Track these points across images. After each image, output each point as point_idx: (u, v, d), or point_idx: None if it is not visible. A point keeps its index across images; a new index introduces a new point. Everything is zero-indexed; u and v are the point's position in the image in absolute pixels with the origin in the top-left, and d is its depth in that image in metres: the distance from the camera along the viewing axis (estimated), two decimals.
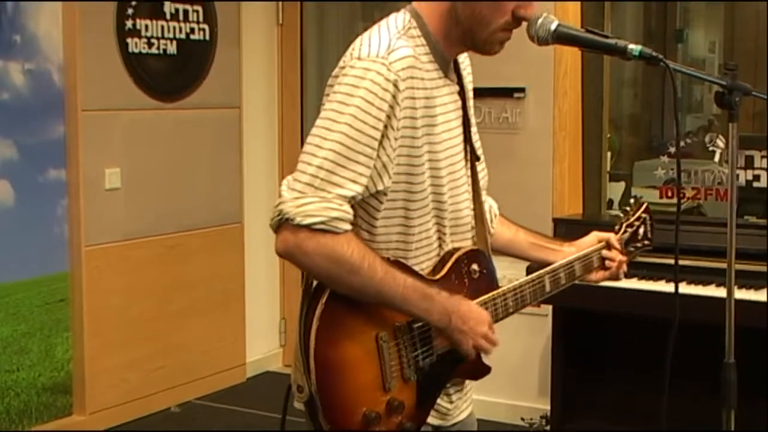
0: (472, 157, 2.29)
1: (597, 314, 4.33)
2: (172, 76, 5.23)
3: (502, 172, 4.77)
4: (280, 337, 6.06)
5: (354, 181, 1.98)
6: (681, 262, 2.35)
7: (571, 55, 4.81)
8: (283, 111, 5.97)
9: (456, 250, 2.23)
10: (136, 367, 5.10)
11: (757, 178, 4.64)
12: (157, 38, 5.11)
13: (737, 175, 2.27)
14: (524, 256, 2.56)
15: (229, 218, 5.61)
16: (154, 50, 5.09)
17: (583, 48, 2.19)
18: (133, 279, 5.07)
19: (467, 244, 2.27)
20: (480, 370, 2.26)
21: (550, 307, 4.52)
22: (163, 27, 5.13)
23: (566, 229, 4.53)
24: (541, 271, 2.40)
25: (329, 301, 2.01)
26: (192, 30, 5.29)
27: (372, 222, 2.09)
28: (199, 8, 5.33)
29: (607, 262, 2.54)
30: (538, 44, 2.14)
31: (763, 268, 3.93)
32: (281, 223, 1.98)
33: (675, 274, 2.31)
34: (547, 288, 2.39)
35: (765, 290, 3.92)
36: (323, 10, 6.24)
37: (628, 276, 2.65)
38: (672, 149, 4.90)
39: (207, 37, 5.39)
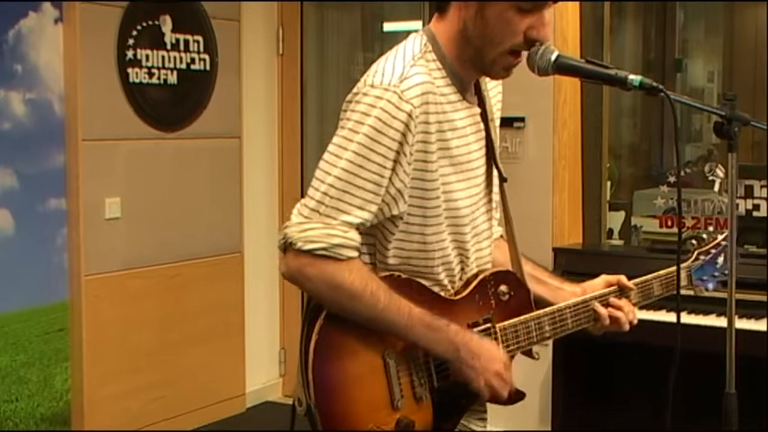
0: (500, 179, 2.27)
1: (598, 342, 4.29)
2: (173, 105, 5.24)
3: None
4: (280, 367, 6.05)
5: (361, 208, 1.98)
6: (682, 292, 2.34)
7: (571, 84, 4.82)
8: (283, 141, 5.98)
9: (483, 271, 2.21)
10: (136, 397, 5.09)
11: (756, 207, 4.64)
12: (158, 68, 5.12)
13: (737, 205, 2.28)
14: None
15: (229, 248, 5.61)
16: (154, 80, 5.11)
17: (583, 78, 2.19)
18: (133, 308, 5.06)
19: (488, 265, 2.25)
20: (511, 396, 2.19)
21: None
22: (163, 57, 5.15)
23: (566, 259, 4.54)
24: (587, 296, 2.35)
25: (330, 316, 2.01)
26: (193, 60, 5.31)
27: (386, 245, 2.08)
28: (200, 38, 5.35)
29: (610, 310, 2.38)
30: (538, 74, 2.14)
31: (764, 298, 3.92)
32: (286, 247, 2.00)
33: (677, 303, 2.30)
34: (592, 313, 2.34)
35: (765, 320, 3.92)
36: (323, 41, 6.27)
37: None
38: (672, 178, 4.90)
39: (207, 67, 5.41)
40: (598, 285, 2.42)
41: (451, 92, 2.10)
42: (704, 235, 2.60)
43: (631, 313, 2.40)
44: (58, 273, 4.77)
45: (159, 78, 5.13)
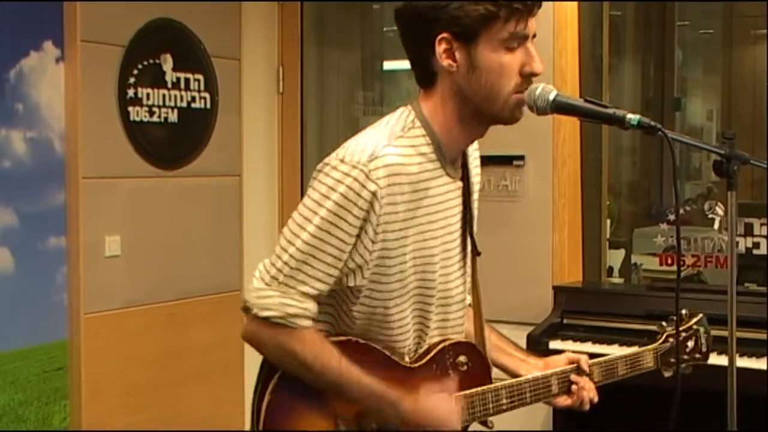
0: (473, 252, 2.28)
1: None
2: (173, 144, 5.25)
3: (502, 240, 4.78)
4: None
5: (319, 280, 2.03)
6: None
7: (570, 123, 4.83)
8: (283, 179, 5.99)
9: (444, 341, 2.22)
10: None
11: (756, 245, 4.64)
12: (159, 106, 5.14)
13: (737, 243, 2.28)
14: None
15: (229, 286, 5.59)
16: (155, 118, 5.12)
17: (582, 118, 2.20)
18: (132, 346, 5.04)
19: (456, 337, 2.26)
20: None
21: None
22: (164, 95, 5.17)
23: (566, 297, 4.53)
24: (548, 372, 2.36)
25: (284, 375, 2.07)
26: (193, 98, 5.33)
27: (347, 311, 2.12)
28: (201, 77, 5.37)
29: (572, 387, 2.41)
30: (537, 114, 2.15)
31: (764, 336, 3.91)
32: (246, 310, 2.07)
33: (676, 342, 2.30)
34: (554, 389, 2.36)
35: (766, 358, 3.90)
36: (323, 80, 6.29)
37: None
38: (671, 216, 4.91)
39: (208, 106, 5.43)
40: (560, 361, 2.44)
41: (434, 167, 2.12)
42: (674, 318, 2.56)
43: (592, 392, 2.43)
44: (58, 311, 4.76)
45: (159, 116, 5.15)
